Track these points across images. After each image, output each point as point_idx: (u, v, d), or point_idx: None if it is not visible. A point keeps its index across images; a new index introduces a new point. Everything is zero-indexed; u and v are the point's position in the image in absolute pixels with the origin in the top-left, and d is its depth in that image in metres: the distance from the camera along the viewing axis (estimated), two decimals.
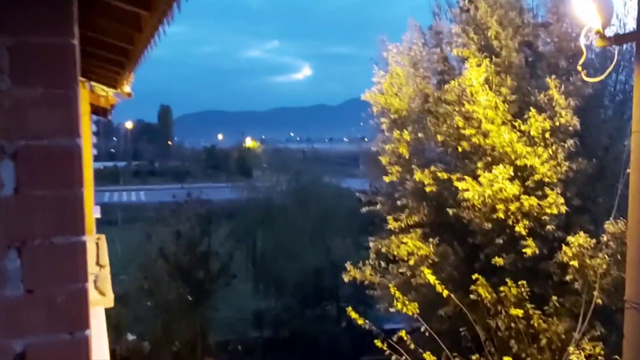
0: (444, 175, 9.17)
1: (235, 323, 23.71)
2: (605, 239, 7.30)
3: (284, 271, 22.36)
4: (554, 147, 8.42)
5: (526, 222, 8.26)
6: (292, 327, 21.52)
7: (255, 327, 22.96)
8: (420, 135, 10.18)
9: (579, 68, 6.18)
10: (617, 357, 6.80)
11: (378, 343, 8.25)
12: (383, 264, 10.25)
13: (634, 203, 5.72)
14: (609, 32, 6.17)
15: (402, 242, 9.65)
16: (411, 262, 9.48)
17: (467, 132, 8.83)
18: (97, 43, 3.32)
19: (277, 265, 22.82)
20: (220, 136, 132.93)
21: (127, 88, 5.13)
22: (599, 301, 7.32)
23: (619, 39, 6.25)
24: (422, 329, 8.34)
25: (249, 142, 76.01)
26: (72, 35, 1.35)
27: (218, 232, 23.85)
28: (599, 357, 7.42)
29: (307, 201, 24.95)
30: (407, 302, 8.24)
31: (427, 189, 9.45)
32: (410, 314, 8.25)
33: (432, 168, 9.55)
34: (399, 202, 10.44)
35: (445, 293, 7.98)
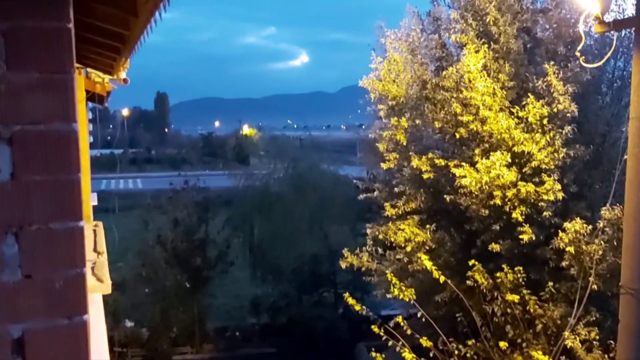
0: (441, 162, 9.17)
1: (232, 310, 23.83)
2: (601, 225, 7.32)
3: (281, 258, 22.41)
4: (551, 134, 8.43)
5: (523, 209, 8.29)
6: (290, 313, 21.62)
7: (252, 314, 23.07)
8: (417, 122, 10.17)
9: (578, 54, 6.17)
10: (612, 341, 6.86)
11: (375, 329, 8.30)
12: (380, 250, 10.29)
13: (630, 189, 5.74)
14: (608, 18, 6.15)
15: (399, 229, 9.68)
16: (408, 249, 9.51)
17: (465, 118, 8.83)
18: (93, 28, 3.29)
19: (275, 252, 22.87)
20: (217, 123, 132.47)
21: (123, 74, 5.10)
22: (595, 287, 7.35)
23: (617, 24, 6.23)
24: (419, 315, 8.39)
25: (245, 130, 75.78)
26: (68, 19, 1.34)
27: (215, 219, 23.87)
28: (594, 342, 7.47)
29: (304, 188, 24.95)
30: (404, 288, 8.28)
31: (425, 176, 9.47)
32: (407, 299, 8.29)
33: (430, 155, 9.55)
34: (396, 189, 10.45)
35: (442, 279, 8.01)
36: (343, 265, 10.27)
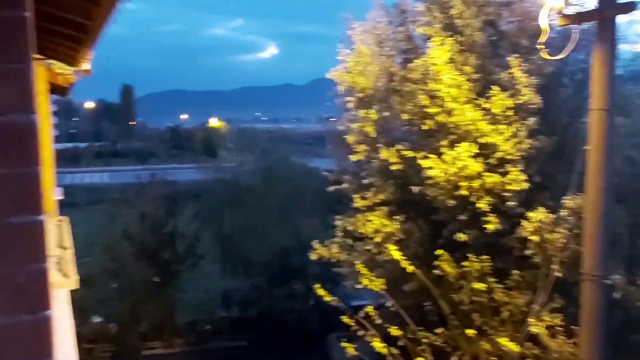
0: (409, 154, 9.26)
1: (203, 303, 23.68)
2: (564, 214, 7.51)
3: (252, 251, 22.35)
4: (516, 125, 8.58)
5: (489, 199, 8.44)
6: (260, 306, 21.61)
7: (223, 307, 22.98)
8: (386, 113, 10.23)
9: (540, 47, 6.30)
10: (575, 327, 7.06)
11: (345, 320, 8.36)
12: (350, 241, 10.35)
13: (590, 179, 5.91)
14: (570, 11, 6.29)
15: (368, 220, 9.75)
16: (377, 240, 9.59)
17: (432, 110, 8.92)
18: (55, 18, 3.22)
19: (245, 245, 22.78)
20: (184, 116, 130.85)
21: (86, 65, 5.00)
22: (558, 274, 7.55)
23: (579, 17, 6.37)
24: (389, 305, 8.49)
25: (214, 122, 75.04)
26: (24, 8, 1.31)
27: (184, 213, 23.64)
28: (558, 328, 7.67)
29: (274, 181, 24.88)
30: (373, 279, 8.36)
31: (393, 167, 9.54)
32: (377, 290, 8.37)
33: (398, 146, 9.62)
34: (365, 181, 10.51)
35: (410, 269, 8.11)
36: (313, 257, 10.31)
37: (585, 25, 9.41)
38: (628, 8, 6.02)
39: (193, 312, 22.71)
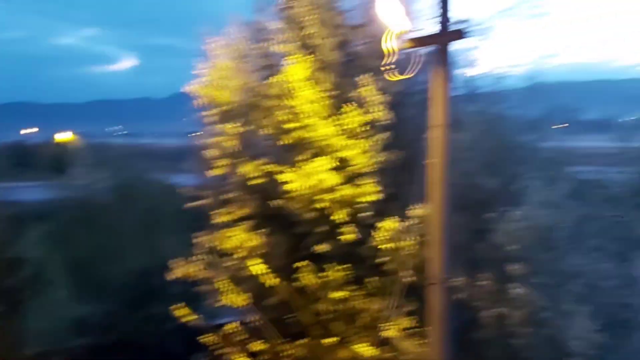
0: (268, 168, 9.38)
1: (54, 332, 21.81)
2: (412, 223, 8.06)
3: (108, 274, 21.04)
4: (369, 140, 9.07)
5: (345, 210, 8.80)
6: (119, 331, 20.40)
7: (77, 335, 21.35)
8: (247, 128, 10.28)
9: (386, 68, 6.76)
10: (427, 328, 7.59)
11: (207, 339, 8.21)
12: (213, 258, 10.19)
13: (432, 190, 6.43)
14: (413, 35, 6.83)
15: (230, 235, 9.69)
16: (241, 255, 9.55)
17: (290, 126, 9.14)
18: None
19: (100, 268, 21.39)
20: (30, 130, 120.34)
21: None
22: (411, 279, 8.07)
23: (420, 41, 6.94)
24: (253, 320, 8.49)
25: (64, 136, 69.80)
26: None
27: (29, 236, 21.68)
28: (413, 330, 8.19)
29: (131, 199, 23.69)
30: (236, 295, 8.31)
31: (253, 182, 9.60)
32: (240, 306, 8.34)
33: (259, 161, 9.71)
34: (226, 196, 10.44)
35: (272, 282, 8.18)
36: (174, 276, 10.00)
37: (429, 49, 10.27)
38: (459, 35, 6.69)
39: (43, 343, 20.84)
